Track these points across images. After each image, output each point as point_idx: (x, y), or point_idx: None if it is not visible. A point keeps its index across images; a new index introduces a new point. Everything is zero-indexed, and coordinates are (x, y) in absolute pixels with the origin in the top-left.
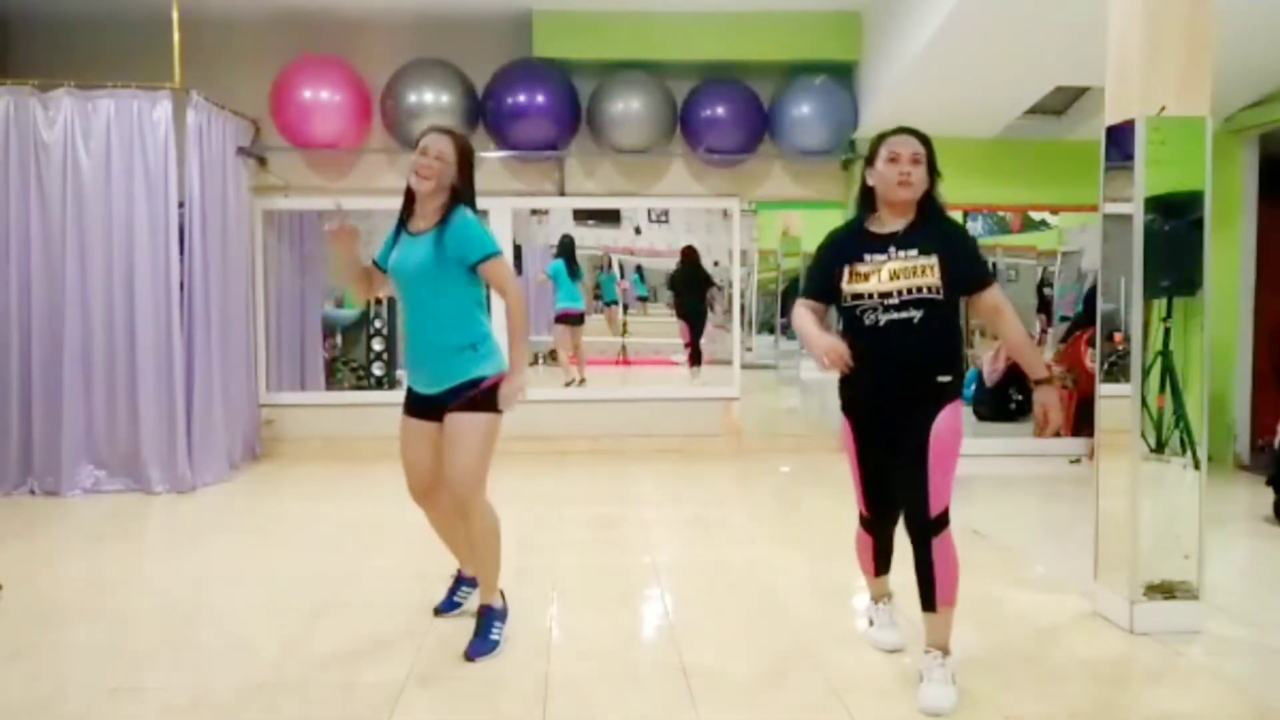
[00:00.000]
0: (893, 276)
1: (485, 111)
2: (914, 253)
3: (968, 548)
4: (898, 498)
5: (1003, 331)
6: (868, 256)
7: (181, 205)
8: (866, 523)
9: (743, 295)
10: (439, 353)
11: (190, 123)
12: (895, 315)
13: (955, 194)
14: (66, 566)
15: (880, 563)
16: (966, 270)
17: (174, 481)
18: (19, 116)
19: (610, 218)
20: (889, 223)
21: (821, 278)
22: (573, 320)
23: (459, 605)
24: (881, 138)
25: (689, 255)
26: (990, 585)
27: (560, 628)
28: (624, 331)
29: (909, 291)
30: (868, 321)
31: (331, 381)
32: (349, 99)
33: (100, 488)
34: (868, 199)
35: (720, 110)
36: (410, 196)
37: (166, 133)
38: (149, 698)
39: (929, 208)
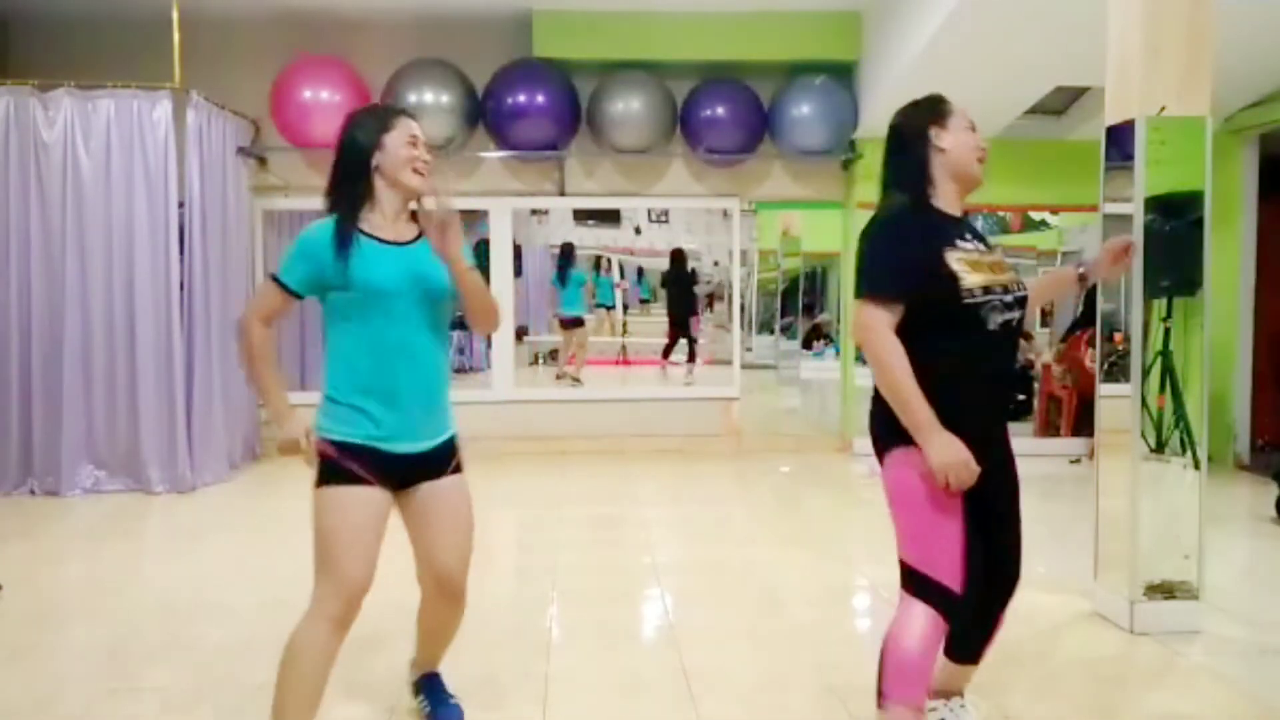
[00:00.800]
0: (994, 269)
1: (485, 111)
2: (983, 246)
3: None
4: (998, 557)
5: None
6: (960, 242)
7: (181, 205)
8: (954, 607)
9: (743, 295)
10: (434, 399)
11: (190, 123)
12: (1012, 315)
13: None
14: (66, 566)
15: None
16: None
17: (174, 481)
18: (19, 116)
19: (610, 218)
20: (950, 206)
21: (914, 267)
22: (568, 324)
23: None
24: (945, 101)
25: (677, 256)
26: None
27: (560, 628)
28: (625, 331)
29: (1018, 286)
30: (992, 324)
31: None
32: (349, 99)
33: (100, 488)
34: (925, 170)
35: (720, 110)
36: (363, 198)
37: (166, 133)
38: (149, 698)
39: None
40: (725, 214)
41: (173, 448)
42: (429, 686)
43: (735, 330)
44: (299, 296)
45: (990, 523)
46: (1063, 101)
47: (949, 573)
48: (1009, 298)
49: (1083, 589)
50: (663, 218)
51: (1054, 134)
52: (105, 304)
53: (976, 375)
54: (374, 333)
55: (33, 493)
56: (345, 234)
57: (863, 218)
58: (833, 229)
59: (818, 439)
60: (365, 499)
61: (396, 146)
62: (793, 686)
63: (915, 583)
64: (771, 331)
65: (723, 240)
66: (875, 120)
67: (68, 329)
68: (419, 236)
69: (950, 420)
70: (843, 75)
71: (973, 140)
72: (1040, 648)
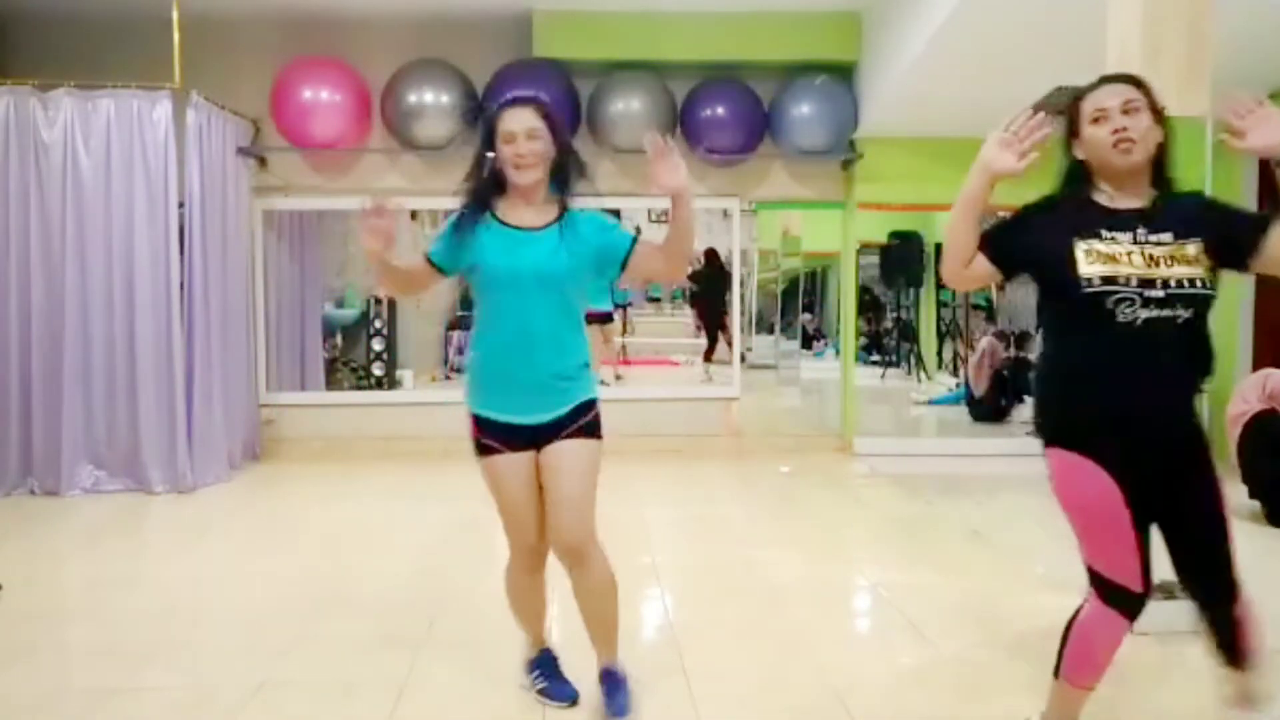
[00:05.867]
0: (1150, 262)
1: (485, 111)
2: (1168, 236)
3: (968, 548)
4: (1197, 578)
5: None
6: (1106, 233)
7: (181, 205)
8: (1128, 601)
9: (743, 296)
10: (551, 375)
11: (190, 123)
12: (1158, 312)
13: (955, 194)
14: (66, 566)
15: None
16: (1240, 222)
17: (174, 481)
18: (19, 116)
19: (610, 217)
20: (1122, 199)
21: (1016, 241)
22: (596, 319)
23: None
24: (1079, 96)
25: (711, 256)
26: (990, 585)
27: (560, 628)
28: (625, 331)
29: (1178, 283)
30: (1121, 318)
31: (331, 381)
32: (349, 99)
33: (100, 488)
34: (1078, 177)
35: (720, 110)
36: (498, 183)
37: (166, 133)
38: (149, 698)
39: (1163, 173)
40: (725, 214)
41: (173, 448)
42: (543, 662)
43: (735, 330)
44: (443, 271)
45: (1182, 533)
46: (1063, 101)
47: (1119, 570)
48: (1154, 293)
49: (1083, 589)
50: (663, 218)
51: (1054, 134)
52: (105, 304)
53: (1119, 365)
54: (499, 314)
55: (33, 493)
56: (462, 218)
57: (864, 218)
58: (833, 229)
59: (818, 439)
60: (507, 468)
61: (500, 146)
62: (793, 686)
63: (1090, 578)
64: (771, 331)
65: (723, 240)
66: (875, 120)
67: (68, 329)
68: (552, 222)
69: (1084, 404)
70: (843, 75)
71: (1101, 134)
72: (1040, 648)
